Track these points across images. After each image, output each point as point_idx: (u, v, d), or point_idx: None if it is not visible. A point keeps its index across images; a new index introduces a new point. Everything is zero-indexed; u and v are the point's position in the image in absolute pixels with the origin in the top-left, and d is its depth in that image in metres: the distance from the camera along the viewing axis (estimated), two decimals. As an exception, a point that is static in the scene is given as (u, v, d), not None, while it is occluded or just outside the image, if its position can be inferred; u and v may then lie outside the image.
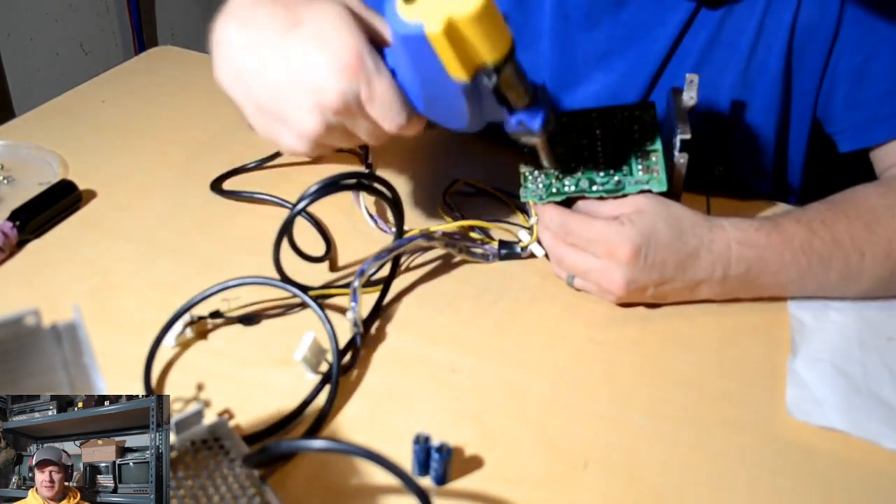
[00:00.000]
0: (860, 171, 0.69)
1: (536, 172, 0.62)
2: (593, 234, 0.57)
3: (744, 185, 0.75)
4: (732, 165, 0.76)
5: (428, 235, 0.60)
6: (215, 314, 0.57)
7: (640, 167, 0.60)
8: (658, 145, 0.60)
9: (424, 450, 0.46)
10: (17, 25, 1.66)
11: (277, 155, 0.74)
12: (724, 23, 0.69)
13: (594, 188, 0.60)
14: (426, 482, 0.47)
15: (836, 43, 0.67)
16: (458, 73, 0.46)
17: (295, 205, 0.55)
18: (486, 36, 0.45)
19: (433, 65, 0.46)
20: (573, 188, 0.60)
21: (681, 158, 0.59)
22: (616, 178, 0.60)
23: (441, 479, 0.47)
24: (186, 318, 0.55)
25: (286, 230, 0.57)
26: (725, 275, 0.57)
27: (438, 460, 0.46)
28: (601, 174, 0.60)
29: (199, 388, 0.52)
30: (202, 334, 0.56)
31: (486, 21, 0.44)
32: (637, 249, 0.55)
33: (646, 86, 0.74)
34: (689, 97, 0.59)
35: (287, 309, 0.59)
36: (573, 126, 0.62)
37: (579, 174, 0.61)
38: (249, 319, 0.57)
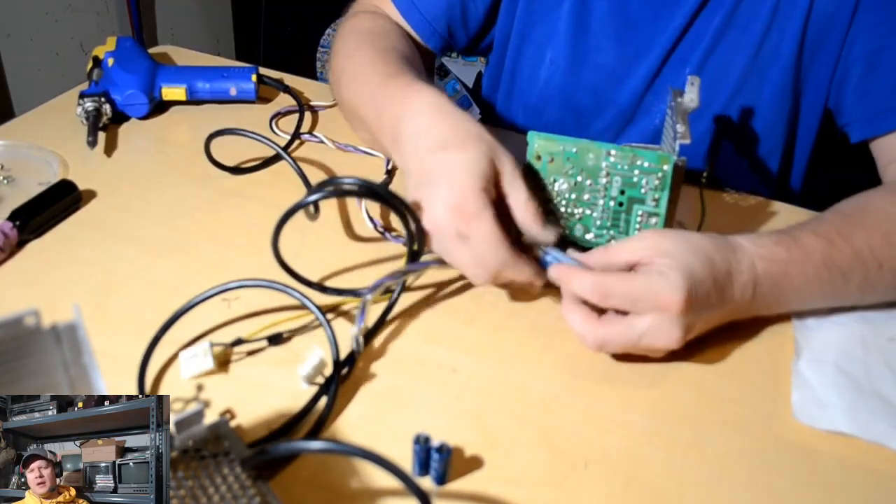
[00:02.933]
0: (862, 178, 0.69)
1: (536, 201, 0.61)
2: (636, 291, 0.52)
3: (743, 180, 0.75)
4: (735, 158, 0.76)
5: (442, 261, 0.58)
6: (237, 342, 0.54)
7: (637, 226, 0.59)
8: (662, 208, 0.58)
9: (425, 450, 0.46)
10: (17, 25, 1.66)
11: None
12: (740, 5, 0.69)
13: (587, 237, 0.60)
14: (426, 482, 0.47)
15: (850, 30, 0.67)
16: None
17: (305, 196, 0.55)
18: None
19: None
20: (566, 231, 0.60)
21: (678, 162, 0.57)
22: (611, 233, 0.60)
23: (441, 479, 0.47)
24: (206, 345, 0.53)
25: (289, 215, 0.56)
26: (754, 293, 0.55)
27: (438, 460, 0.46)
28: (597, 225, 0.60)
29: (199, 388, 0.52)
30: (224, 364, 0.54)
31: None
32: (689, 295, 0.51)
33: (657, 64, 0.73)
34: (690, 99, 0.59)
35: (296, 323, 0.59)
36: (583, 159, 0.59)
37: (577, 219, 0.60)
38: (277, 338, 0.56)
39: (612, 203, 0.59)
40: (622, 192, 0.59)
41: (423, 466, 0.47)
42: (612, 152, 0.58)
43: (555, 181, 0.60)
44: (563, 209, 0.61)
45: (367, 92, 0.67)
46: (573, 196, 0.60)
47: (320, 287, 0.60)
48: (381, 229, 0.66)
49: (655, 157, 0.57)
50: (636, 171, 0.58)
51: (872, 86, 0.68)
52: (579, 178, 0.59)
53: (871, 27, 0.66)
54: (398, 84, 0.64)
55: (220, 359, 0.54)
